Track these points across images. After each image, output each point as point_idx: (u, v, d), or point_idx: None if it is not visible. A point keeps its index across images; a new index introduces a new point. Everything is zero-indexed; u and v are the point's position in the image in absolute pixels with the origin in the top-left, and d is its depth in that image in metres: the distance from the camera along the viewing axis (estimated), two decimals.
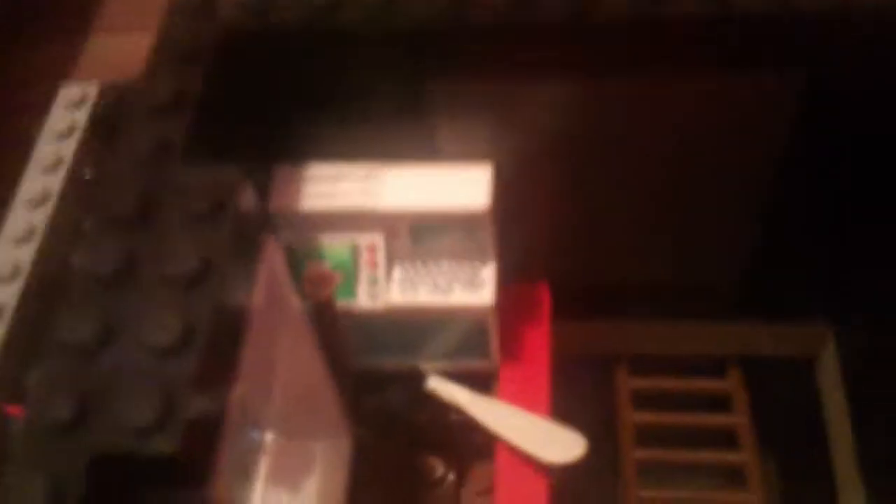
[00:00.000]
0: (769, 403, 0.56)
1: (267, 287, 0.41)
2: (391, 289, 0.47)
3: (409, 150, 0.45)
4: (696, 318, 0.57)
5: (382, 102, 0.45)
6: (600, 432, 0.48)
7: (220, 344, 0.31)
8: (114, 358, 0.29)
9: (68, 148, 0.52)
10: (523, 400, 0.49)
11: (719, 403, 0.57)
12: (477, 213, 0.44)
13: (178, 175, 0.34)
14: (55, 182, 0.51)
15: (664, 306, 0.57)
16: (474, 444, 0.52)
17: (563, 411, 0.50)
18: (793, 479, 0.55)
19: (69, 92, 0.55)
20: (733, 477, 0.54)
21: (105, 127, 0.51)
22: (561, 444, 0.45)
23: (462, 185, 0.44)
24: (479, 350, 0.50)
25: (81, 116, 0.53)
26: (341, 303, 0.46)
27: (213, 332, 0.30)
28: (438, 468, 0.53)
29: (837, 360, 0.54)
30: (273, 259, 0.40)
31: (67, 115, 0.54)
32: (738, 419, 0.55)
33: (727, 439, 0.55)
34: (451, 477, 0.53)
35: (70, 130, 0.53)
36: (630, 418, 0.56)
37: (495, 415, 0.48)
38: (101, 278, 0.31)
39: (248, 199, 0.35)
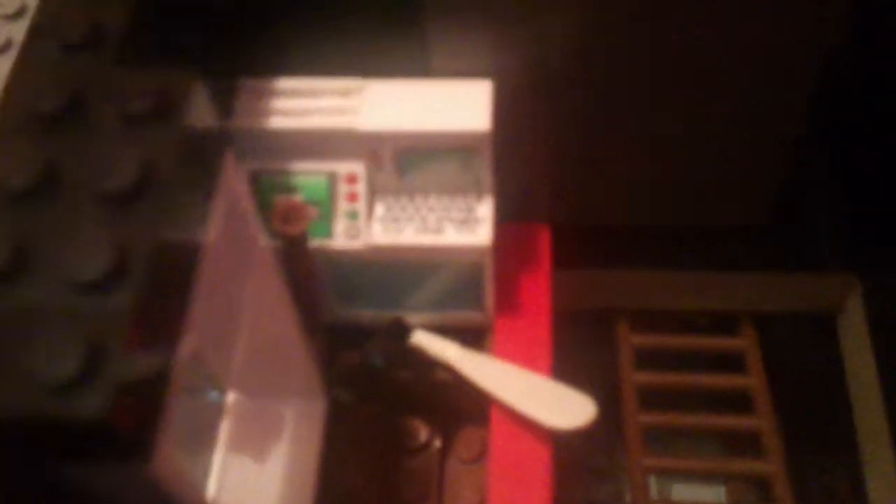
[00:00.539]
0: (785, 363, 0.51)
1: (226, 219, 0.34)
2: (373, 227, 0.40)
3: (397, 64, 0.38)
4: (706, 268, 0.51)
5: (367, 5, 0.38)
6: (600, 394, 0.42)
7: (164, 280, 0.25)
8: (26, 293, 0.23)
9: None
10: (521, 357, 0.43)
11: (731, 363, 0.52)
12: (475, 135, 0.38)
13: (114, 70, 0.27)
14: None
15: (671, 254, 0.51)
16: (463, 406, 0.47)
17: (559, 372, 0.44)
18: (813, 447, 0.50)
19: None
20: (747, 444, 0.49)
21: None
22: (567, 408, 0.40)
23: (458, 104, 0.38)
24: (472, 300, 0.44)
25: None
26: (315, 242, 0.40)
27: (154, 263, 0.24)
28: (422, 433, 0.47)
29: (864, 314, 0.49)
30: (234, 185, 0.33)
31: None
32: (752, 380, 0.50)
33: (740, 403, 0.50)
34: (437, 443, 0.47)
35: None
36: (633, 379, 0.50)
37: (490, 373, 0.42)
38: (13, 192, 0.24)
39: (201, 105, 0.28)
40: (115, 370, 0.22)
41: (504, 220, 0.42)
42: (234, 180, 0.33)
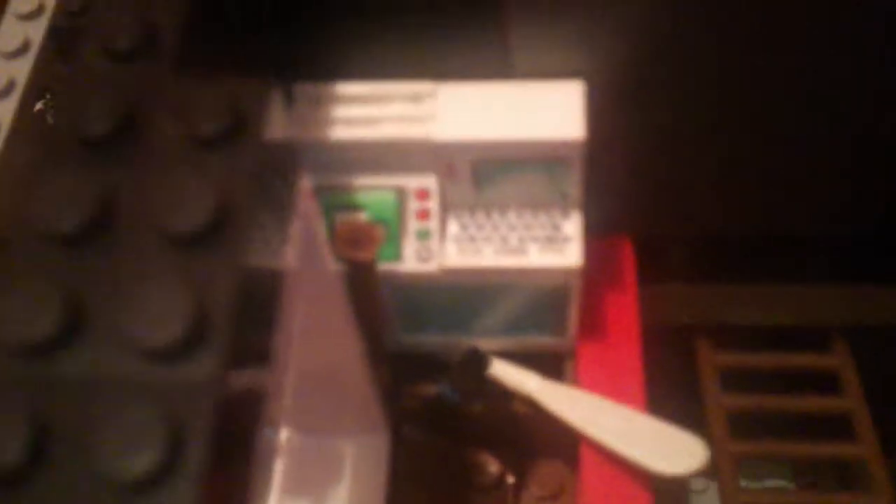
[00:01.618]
0: (885, 382, 0.47)
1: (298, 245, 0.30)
2: (447, 247, 0.36)
3: (474, 65, 0.34)
4: (796, 280, 0.47)
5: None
6: (684, 418, 0.38)
7: (247, 334, 0.21)
8: (82, 362, 0.19)
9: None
10: (609, 387, 0.39)
11: (823, 383, 0.47)
12: (566, 144, 0.33)
13: (173, 80, 0.23)
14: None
15: (758, 266, 0.47)
16: (538, 440, 0.42)
17: None
18: None
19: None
20: (850, 475, 0.45)
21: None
22: (672, 450, 0.35)
23: (545, 109, 0.33)
24: (553, 323, 0.39)
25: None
26: (382, 265, 0.36)
27: (236, 317, 0.19)
28: (493, 468, 0.43)
29: None
30: (305, 204, 0.29)
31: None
32: (849, 402, 0.46)
33: (836, 427, 0.46)
34: (510, 479, 0.43)
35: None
36: (720, 402, 0.46)
37: (579, 407, 0.38)
38: (62, 236, 0.20)
39: (277, 118, 0.24)
40: (197, 455, 0.18)
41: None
42: (306, 199, 0.29)
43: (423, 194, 0.35)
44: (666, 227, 0.43)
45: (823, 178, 0.43)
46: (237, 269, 0.20)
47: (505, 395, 0.40)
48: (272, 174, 0.24)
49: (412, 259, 0.36)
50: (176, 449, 0.17)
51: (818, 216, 0.43)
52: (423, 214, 0.35)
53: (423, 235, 0.35)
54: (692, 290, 0.48)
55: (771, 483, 0.52)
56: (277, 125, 0.24)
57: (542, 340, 0.40)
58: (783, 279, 0.47)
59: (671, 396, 0.41)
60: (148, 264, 0.20)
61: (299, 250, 0.31)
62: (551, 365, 0.40)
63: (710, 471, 0.44)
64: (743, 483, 0.44)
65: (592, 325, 0.40)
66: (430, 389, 0.39)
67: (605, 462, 0.37)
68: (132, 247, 0.20)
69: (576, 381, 0.39)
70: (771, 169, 0.42)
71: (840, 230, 0.43)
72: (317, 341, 0.37)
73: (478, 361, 0.38)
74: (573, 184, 0.35)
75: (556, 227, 0.35)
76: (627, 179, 0.41)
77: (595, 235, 0.41)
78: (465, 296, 0.38)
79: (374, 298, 0.35)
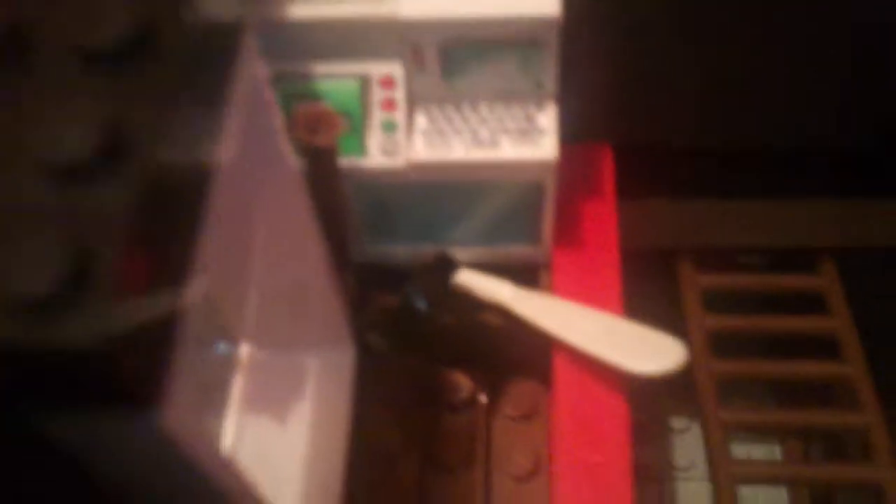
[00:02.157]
0: (872, 303, 0.45)
1: (247, 130, 0.28)
2: (414, 141, 0.34)
3: None
4: (782, 197, 0.45)
5: None
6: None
7: (171, 180, 0.18)
8: None
9: None
10: (585, 298, 0.37)
11: (810, 305, 0.45)
12: (541, 23, 0.31)
13: None
14: None
15: (742, 183, 0.45)
16: (512, 356, 0.40)
17: None
18: None
19: None
20: (836, 394, 0.43)
21: None
22: (652, 351, 0.34)
23: None
24: (527, 231, 0.37)
25: None
26: (345, 161, 0.33)
27: (156, 148, 0.17)
28: (465, 387, 0.41)
29: None
30: (258, 86, 0.27)
31: None
32: (836, 322, 0.44)
33: (823, 349, 0.44)
34: (482, 399, 0.41)
35: None
36: (702, 324, 0.44)
37: (554, 313, 0.36)
38: None
39: None
40: (112, 285, 0.15)
41: (560, 142, 0.35)
42: (257, 78, 0.26)
43: (388, 83, 0.33)
44: (647, 136, 0.41)
45: (812, 89, 0.41)
46: (156, 98, 0.17)
47: (476, 306, 0.38)
48: (212, 34, 0.22)
49: (377, 153, 0.33)
50: (84, 272, 0.15)
51: (806, 129, 0.41)
52: (389, 104, 0.33)
53: (389, 127, 0.33)
54: (675, 206, 0.46)
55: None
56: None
57: (517, 250, 0.38)
58: (769, 196, 0.45)
59: (653, 320, 0.39)
60: (59, 84, 0.17)
61: (245, 139, 0.29)
62: (527, 277, 0.38)
63: (693, 409, 0.42)
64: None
65: (569, 233, 0.38)
66: (397, 299, 0.37)
67: (579, 369, 0.35)
68: (44, 66, 0.18)
69: (552, 292, 0.38)
70: (757, 77, 0.40)
71: (829, 144, 0.42)
72: (279, 251, 0.35)
73: (445, 265, 0.36)
74: (548, 72, 0.33)
75: (531, 120, 0.33)
76: (608, 83, 0.39)
77: (574, 141, 0.39)
78: (435, 199, 0.36)
79: (336, 194, 0.33)
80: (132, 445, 0.20)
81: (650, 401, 0.50)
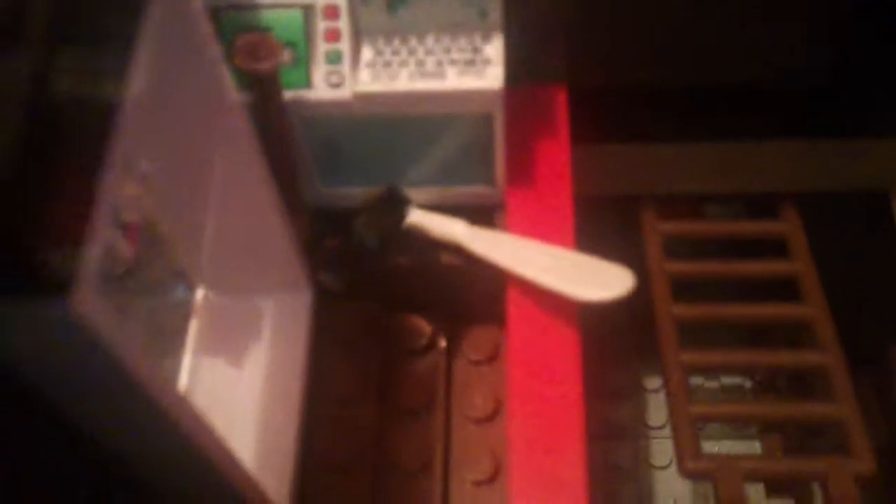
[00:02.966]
0: (833, 247, 0.45)
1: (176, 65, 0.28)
2: (360, 73, 0.33)
3: None
4: (743, 138, 0.45)
5: None
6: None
7: (81, 46, 0.18)
8: None
9: None
10: (539, 237, 0.37)
11: (772, 250, 0.45)
12: None
13: None
14: None
15: (702, 125, 0.44)
16: (471, 300, 0.40)
17: None
18: (866, 337, 0.44)
19: None
20: (795, 334, 0.43)
21: None
22: (600, 280, 0.33)
23: None
24: (480, 170, 0.37)
25: None
26: (289, 94, 0.33)
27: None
28: (425, 331, 0.41)
29: None
30: (188, 21, 0.26)
31: None
32: (797, 265, 0.44)
33: (784, 291, 0.44)
34: (442, 343, 0.41)
35: None
36: (663, 268, 0.44)
37: (506, 249, 0.36)
38: None
39: None
40: (14, 149, 0.15)
41: (513, 81, 0.35)
42: (191, 10, 0.26)
43: (332, 12, 0.33)
44: (603, 77, 0.41)
45: (770, 21, 0.40)
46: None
47: (431, 246, 0.37)
48: None
49: (323, 85, 0.33)
50: None
51: (766, 65, 0.41)
52: (333, 35, 0.33)
53: (334, 58, 0.33)
54: (636, 151, 0.45)
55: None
56: None
57: (471, 190, 0.38)
58: (730, 139, 0.45)
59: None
60: None
61: (194, 82, 0.28)
62: (482, 218, 0.38)
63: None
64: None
65: (523, 174, 0.38)
66: (347, 240, 0.37)
67: (532, 311, 0.35)
68: None
69: (506, 231, 0.37)
70: (715, 9, 0.40)
71: (790, 81, 0.41)
72: (233, 193, 0.35)
73: (395, 200, 0.35)
74: (492, 1, 0.33)
75: (477, 50, 0.33)
76: (558, 20, 0.39)
77: (526, 83, 0.39)
78: (386, 136, 0.36)
79: (282, 125, 0.33)
80: (59, 352, 0.20)
81: (623, 362, 0.50)
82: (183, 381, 0.37)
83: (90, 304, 0.18)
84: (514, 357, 0.35)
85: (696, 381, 0.53)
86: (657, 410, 0.52)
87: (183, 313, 0.38)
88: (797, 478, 0.40)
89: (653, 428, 0.53)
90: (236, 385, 0.37)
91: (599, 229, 0.41)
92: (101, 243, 0.20)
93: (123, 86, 0.21)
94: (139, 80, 0.22)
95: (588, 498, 0.31)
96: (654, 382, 0.52)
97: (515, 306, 0.36)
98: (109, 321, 0.20)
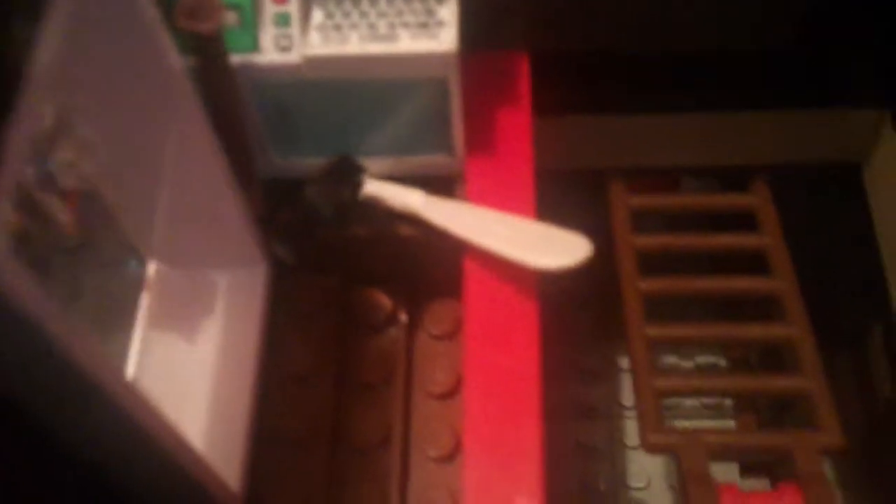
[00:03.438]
0: (804, 221, 0.44)
1: (109, 27, 0.27)
2: (310, 36, 0.32)
3: None
4: (711, 108, 0.44)
5: None
6: (595, 261, 0.35)
7: None
8: None
9: None
10: (499, 207, 0.36)
11: (742, 224, 0.45)
12: None
13: None
14: None
15: (668, 94, 0.43)
16: (431, 273, 0.39)
17: None
18: (839, 312, 0.44)
19: None
20: (765, 309, 0.42)
21: None
22: (558, 248, 0.33)
23: None
24: (438, 139, 0.36)
25: None
26: (237, 59, 0.32)
27: None
28: (384, 305, 0.40)
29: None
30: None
31: None
32: (766, 239, 0.43)
33: (753, 265, 0.43)
34: (402, 317, 0.40)
35: None
36: (630, 242, 0.43)
37: (463, 218, 0.35)
38: None
39: None
40: None
41: (473, 48, 0.34)
42: None
43: None
44: (563, 43, 0.40)
45: None
46: None
47: (388, 217, 0.37)
48: None
49: (271, 49, 0.32)
50: None
51: (729, 29, 0.40)
52: None
53: (282, 21, 0.32)
54: (601, 122, 0.45)
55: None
56: None
57: (428, 160, 0.37)
58: (699, 110, 0.44)
59: None
60: None
61: (132, 47, 0.27)
62: (441, 189, 0.37)
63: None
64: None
65: (483, 144, 0.37)
66: (301, 212, 0.36)
67: (489, 283, 0.34)
68: None
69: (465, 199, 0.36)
70: None
71: (752, 44, 0.40)
72: (183, 165, 0.34)
73: (348, 168, 0.34)
74: None
75: (430, 13, 0.32)
76: None
77: (486, 50, 0.38)
78: (339, 103, 0.35)
79: (229, 91, 0.32)
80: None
81: (595, 342, 0.49)
82: (133, 357, 0.36)
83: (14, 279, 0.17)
84: (472, 329, 0.34)
85: (671, 360, 0.53)
86: (631, 390, 0.51)
87: (134, 288, 0.37)
88: (763, 452, 0.39)
89: (626, 407, 0.52)
90: (189, 361, 0.36)
91: (565, 203, 0.40)
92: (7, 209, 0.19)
93: (31, 46, 0.20)
94: (52, 41, 0.21)
95: (543, 471, 0.30)
96: (626, 362, 0.52)
97: (473, 278, 0.35)
98: (34, 295, 0.19)
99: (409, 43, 0.32)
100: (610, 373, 0.54)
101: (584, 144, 0.45)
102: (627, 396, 0.52)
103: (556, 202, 0.38)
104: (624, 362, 0.53)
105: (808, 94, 0.43)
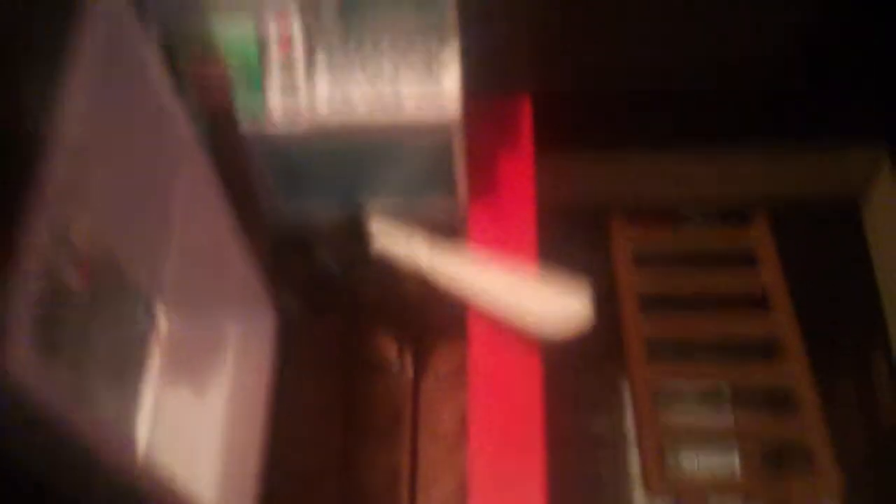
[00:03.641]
0: (804, 257, 0.45)
1: (125, 93, 0.27)
2: (316, 101, 0.33)
3: None
4: (713, 143, 0.44)
5: None
6: (596, 300, 0.35)
7: None
8: None
9: None
10: (501, 248, 0.36)
11: (742, 260, 0.45)
12: None
13: None
14: None
15: (669, 131, 0.44)
16: (436, 319, 0.40)
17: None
18: (838, 349, 0.44)
19: None
20: (765, 348, 0.43)
21: None
22: (558, 309, 0.33)
23: None
24: (442, 181, 0.37)
25: None
26: (248, 129, 0.33)
27: None
28: (391, 350, 0.40)
29: (894, 196, 0.43)
30: (135, 53, 0.26)
31: None
32: (767, 277, 0.44)
33: (754, 303, 0.44)
34: (408, 359, 0.40)
35: None
36: (631, 282, 0.44)
37: (466, 270, 0.35)
38: None
39: None
40: None
41: (475, 90, 0.35)
42: (136, 41, 0.26)
43: (285, 42, 0.32)
44: (567, 84, 0.40)
45: (734, 28, 0.40)
46: None
47: (397, 276, 0.37)
48: None
49: (279, 116, 0.33)
50: None
51: (732, 69, 0.40)
52: (288, 60, 0.32)
53: (289, 91, 0.32)
54: (603, 159, 0.45)
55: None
56: None
57: (433, 202, 0.37)
58: (701, 147, 0.45)
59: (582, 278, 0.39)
60: None
61: (143, 112, 0.28)
62: (445, 230, 0.38)
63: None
64: None
65: (485, 186, 0.38)
66: (310, 261, 0.36)
67: (493, 330, 0.35)
68: None
69: (468, 244, 0.37)
70: (687, 14, 0.39)
71: (755, 84, 0.41)
72: (192, 215, 0.34)
73: (356, 225, 0.35)
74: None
75: (432, 57, 0.33)
76: (523, 26, 0.38)
77: (489, 92, 0.39)
78: (345, 154, 0.35)
79: (237, 151, 0.32)
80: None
81: (598, 372, 0.50)
82: (146, 411, 0.36)
83: (28, 370, 0.18)
84: (475, 369, 0.35)
85: (675, 384, 0.53)
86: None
87: (145, 340, 0.38)
88: (762, 497, 0.40)
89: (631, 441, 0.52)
90: (200, 412, 0.37)
91: (567, 241, 0.41)
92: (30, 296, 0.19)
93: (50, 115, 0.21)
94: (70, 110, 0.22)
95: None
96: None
97: (477, 337, 0.35)
98: (49, 383, 0.19)
99: (411, 84, 0.32)
100: (617, 401, 0.54)
101: (585, 181, 0.45)
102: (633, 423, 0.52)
103: (558, 238, 0.39)
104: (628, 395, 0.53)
105: (807, 132, 0.43)
